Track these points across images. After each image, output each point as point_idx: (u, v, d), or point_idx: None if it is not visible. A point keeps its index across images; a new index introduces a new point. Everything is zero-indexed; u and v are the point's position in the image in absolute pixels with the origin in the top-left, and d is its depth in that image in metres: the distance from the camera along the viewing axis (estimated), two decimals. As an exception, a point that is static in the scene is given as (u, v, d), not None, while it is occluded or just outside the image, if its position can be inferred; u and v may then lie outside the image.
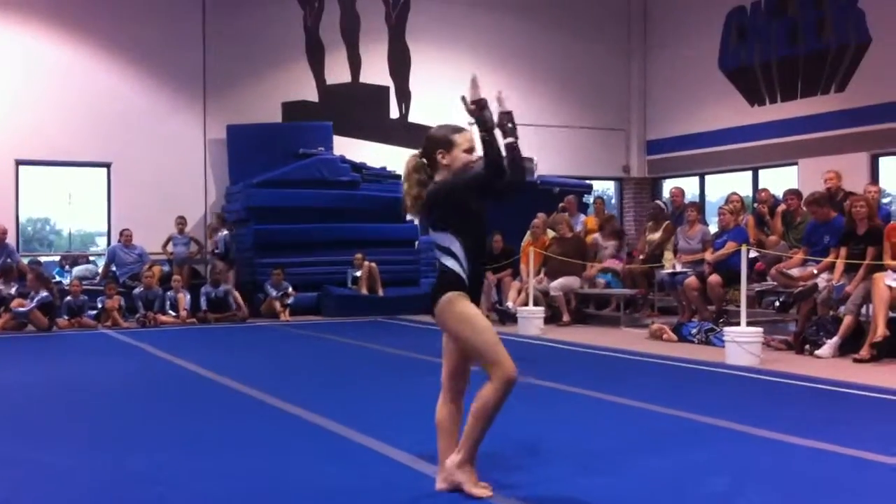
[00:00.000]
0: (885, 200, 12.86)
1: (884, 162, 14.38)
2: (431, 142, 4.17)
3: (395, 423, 5.75)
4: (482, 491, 4.04)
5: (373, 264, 14.20)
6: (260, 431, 5.64)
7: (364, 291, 14.09)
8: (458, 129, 4.19)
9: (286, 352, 10.35)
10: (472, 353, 4.03)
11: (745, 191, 15.58)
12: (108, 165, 15.24)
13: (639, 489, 4.21)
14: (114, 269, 14.16)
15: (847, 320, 8.63)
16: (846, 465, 4.65)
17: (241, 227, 14.76)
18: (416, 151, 4.26)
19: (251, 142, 15.34)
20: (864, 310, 8.82)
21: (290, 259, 14.14)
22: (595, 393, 6.84)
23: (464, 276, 4.01)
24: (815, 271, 9.41)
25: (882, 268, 8.57)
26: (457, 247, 4.03)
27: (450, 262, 4.04)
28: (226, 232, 14.32)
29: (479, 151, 4.03)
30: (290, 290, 13.76)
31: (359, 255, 14.19)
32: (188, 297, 13.28)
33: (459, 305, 3.98)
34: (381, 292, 14.19)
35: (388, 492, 4.24)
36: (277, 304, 13.64)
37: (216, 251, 14.19)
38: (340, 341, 10.89)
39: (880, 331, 8.25)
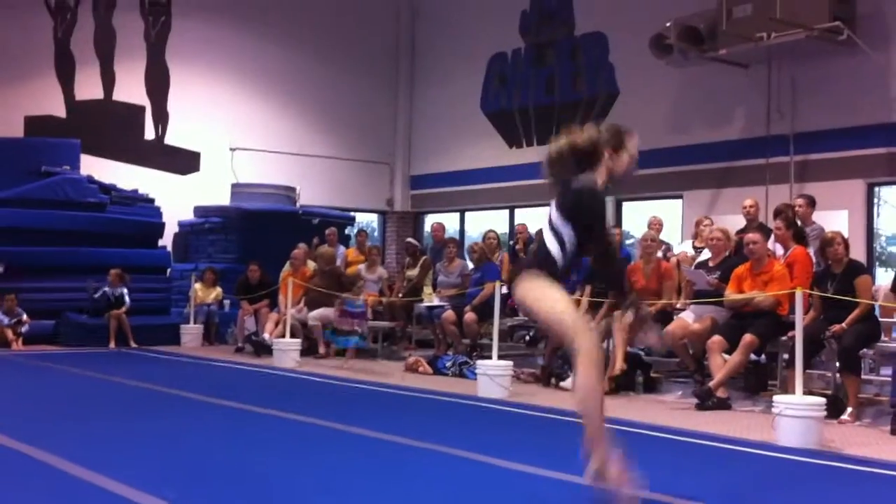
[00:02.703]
0: (627, 242, 13.68)
1: (626, 206, 15.31)
2: (603, 137, 4.23)
3: (137, 463, 5.30)
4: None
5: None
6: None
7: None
8: (629, 132, 4.29)
9: (17, 384, 9.43)
10: (548, 326, 4.23)
11: (503, 228, 16.11)
12: None
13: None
14: None
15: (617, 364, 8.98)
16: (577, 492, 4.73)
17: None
18: (572, 135, 4.26)
19: (-11, 157, 14.08)
20: (605, 344, 9.22)
21: (27, 284, 13.01)
22: (341, 426, 6.68)
23: (559, 263, 4.13)
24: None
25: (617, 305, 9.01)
26: (569, 237, 4.14)
27: (553, 247, 4.12)
28: None
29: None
30: (24, 317, 12.66)
31: (114, 272, 13.24)
32: None
33: (541, 280, 4.09)
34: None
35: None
36: (10, 332, 12.50)
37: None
38: (79, 373, 10.09)
39: (618, 365, 8.67)
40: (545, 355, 9.76)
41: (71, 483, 4.77)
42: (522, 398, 8.35)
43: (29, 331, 12.68)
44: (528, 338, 10.05)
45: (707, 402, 7.80)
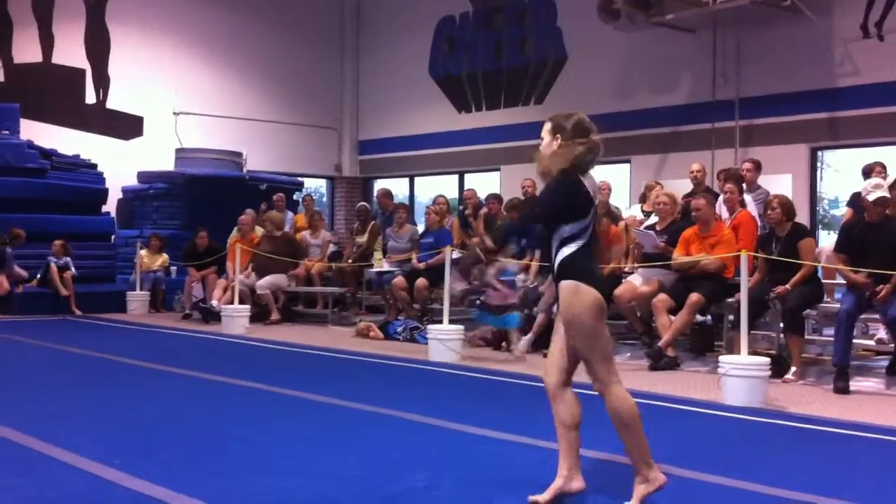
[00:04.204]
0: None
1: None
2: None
3: (86, 433, 5.24)
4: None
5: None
6: None
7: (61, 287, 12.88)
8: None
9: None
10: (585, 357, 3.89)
11: (452, 193, 16.10)
12: None
13: (336, 488, 4.08)
14: None
15: (540, 318, 9.07)
16: (532, 454, 4.79)
17: None
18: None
19: (-79, 121, 13.66)
20: (554, 308, 9.30)
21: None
22: (294, 392, 6.66)
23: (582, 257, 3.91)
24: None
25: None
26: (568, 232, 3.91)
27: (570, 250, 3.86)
28: None
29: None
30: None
31: (57, 243, 12.99)
32: None
33: (596, 312, 3.84)
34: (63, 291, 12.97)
35: (51, 496, 3.87)
36: (-52, 302, 12.23)
37: None
38: (25, 342, 9.89)
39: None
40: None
41: (20, 452, 4.70)
42: (474, 362, 8.40)
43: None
44: (478, 302, 10.07)
45: (659, 362, 7.93)
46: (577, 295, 3.76)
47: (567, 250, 3.83)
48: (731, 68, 12.85)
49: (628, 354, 8.78)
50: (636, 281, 8.63)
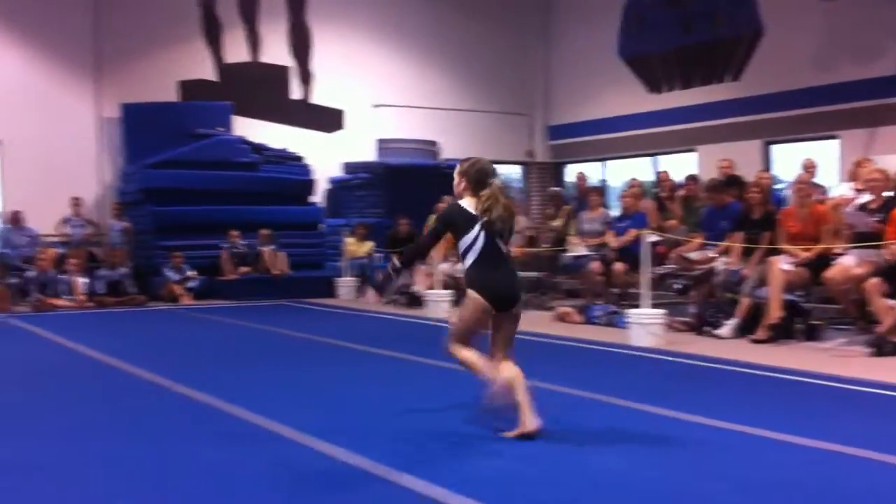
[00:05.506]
0: (777, 187, 13.31)
1: (776, 149, 14.87)
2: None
3: (306, 410, 5.65)
4: None
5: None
6: (160, 416, 5.49)
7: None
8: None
9: (189, 336, 10.08)
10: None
11: (644, 176, 15.91)
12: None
13: (553, 469, 4.23)
14: (4, 251, 13.57)
15: (744, 302, 8.89)
16: (758, 445, 4.77)
17: (138, 209, 14.30)
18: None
19: (147, 121, 14.86)
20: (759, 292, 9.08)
21: (189, 241, 13.78)
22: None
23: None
24: (713, 255, 9.67)
25: (777, 251, 8.86)
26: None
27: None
28: (124, 224, 14.01)
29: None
30: (194, 272, 13.44)
31: (264, 231, 13.96)
32: (84, 280, 12.81)
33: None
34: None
35: (281, 472, 4.20)
36: (177, 288, 13.29)
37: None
38: (245, 325, 10.67)
39: (775, 313, 8.52)
40: (697, 303, 9.69)
41: (251, 430, 5.11)
42: (678, 346, 8.34)
43: (196, 285, 13.44)
44: (678, 286, 9.97)
45: (883, 349, 7.58)
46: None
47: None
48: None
49: (843, 340, 8.41)
50: (849, 262, 8.28)
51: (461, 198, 4.97)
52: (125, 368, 7.29)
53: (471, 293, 4.93)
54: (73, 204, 14.28)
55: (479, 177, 4.92)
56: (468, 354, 4.93)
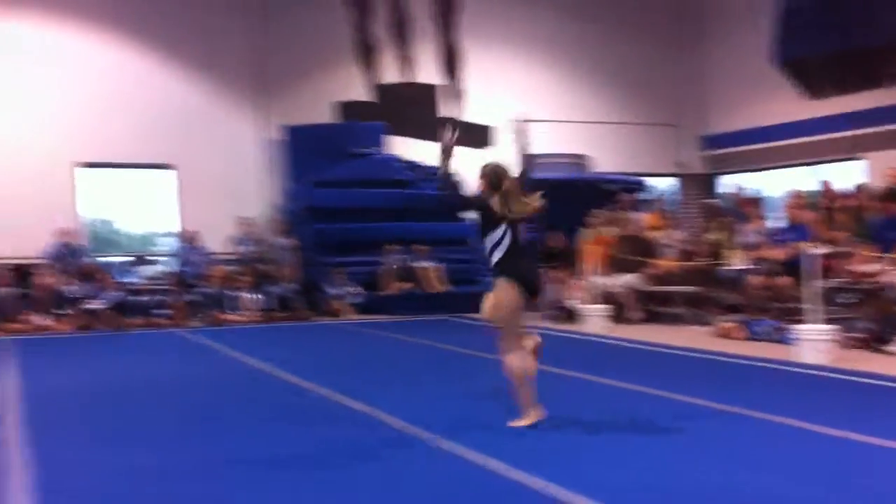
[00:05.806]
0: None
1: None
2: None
3: (474, 428, 5.75)
4: None
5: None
6: (348, 437, 5.60)
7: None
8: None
9: (358, 350, 10.44)
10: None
11: (804, 186, 15.38)
12: (170, 167, 15.49)
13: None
14: (182, 269, 14.40)
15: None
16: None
17: (301, 227, 14.90)
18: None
19: (308, 142, 15.48)
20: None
21: (350, 258, 14.27)
22: (657, 391, 6.80)
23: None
24: (886, 267, 9.30)
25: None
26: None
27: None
28: (290, 241, 14.64)
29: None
30: (357, 288, 13.92)
31: (421, 247, 14.33)
32: (254, 296, 13.46)
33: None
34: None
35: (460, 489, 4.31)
36: (339, 303, 13.78)
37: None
38: (412, 341, 10.92)
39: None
40: (868, 318, 9.33)
41: (416, 444, 5.28)
42: (849, 364, 8.06)
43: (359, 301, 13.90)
44: (848, 300, 9.64)
45: None
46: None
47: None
48: None
49: None
50: None
51: (489, 198, 5.58)
52: (314, 388, 7.58)
53: (501, 281, 5.48)
54: (243, 224, 15.02)
55: (496, 178, 5.61)
56: (520, 374, 5.48)
